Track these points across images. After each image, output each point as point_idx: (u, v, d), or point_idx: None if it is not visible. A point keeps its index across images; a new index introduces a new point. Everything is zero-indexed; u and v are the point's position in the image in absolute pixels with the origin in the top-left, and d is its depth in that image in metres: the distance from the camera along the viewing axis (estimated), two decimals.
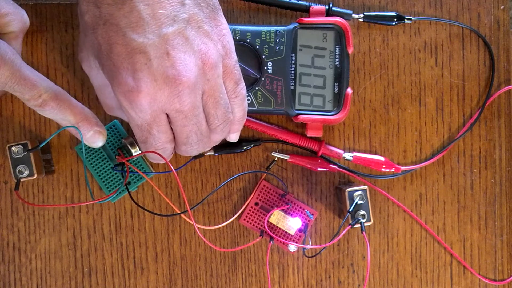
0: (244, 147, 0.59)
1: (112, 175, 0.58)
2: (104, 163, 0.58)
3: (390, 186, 0.60)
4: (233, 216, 0.59)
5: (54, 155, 0.59)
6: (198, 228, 0.57)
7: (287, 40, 0.56)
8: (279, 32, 0.56)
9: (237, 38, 0.56)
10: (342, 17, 0.57)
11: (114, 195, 0.57)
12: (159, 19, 0.46)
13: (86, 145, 0.56)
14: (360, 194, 0.56)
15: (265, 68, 0.56)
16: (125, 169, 0.56)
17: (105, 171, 0.58)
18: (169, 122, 0.49)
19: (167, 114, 0.49)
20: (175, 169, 0.54)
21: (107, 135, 0.57)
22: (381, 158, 0.59)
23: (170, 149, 0.52)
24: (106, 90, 0.53)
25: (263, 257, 0.60)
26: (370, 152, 0.60)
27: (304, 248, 0.58)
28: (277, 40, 0.56)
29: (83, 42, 0.50)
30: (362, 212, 0.56)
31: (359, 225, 0.56)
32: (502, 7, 0.60)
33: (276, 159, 0.60)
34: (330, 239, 0.60)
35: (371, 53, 0.60)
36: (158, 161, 0.54)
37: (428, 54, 0.60)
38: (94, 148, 0.58)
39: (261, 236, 0.58)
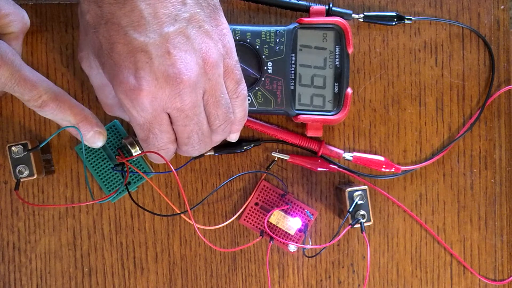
0: (244, 147, 0.59)
1: (112, 175, 0.58)
2: (104, 163, 0.58)
3: (390, 186, 0.60)
4: (233, 216, 0.59)
5: (54, 155, 0.59)
6: (198, 228, 0.57)
7: (287, 40, 0.56)
8: (279, 32, 0.56)
9: (237, 38, 0.56)
10: (342, 17, 0.57)
11: (114, 195, 0.57)
12: (160, 19, 0.46)
13: (86, 145, 0.55)
14: (360, 194, 0.56)
15: (265, 68, 0.56)
16: (125, 169, 0.56)
17: (105, 171, 0.58)
18: (171, 123, 0.50)
19: (169, 115, 0.49)
20: (175, 169, 0.54)
21: (107, 135, 0.57)
22: (381, 158, 0.59)
23: (173, 149, 0.52)
24: (106, 89, 0.53)
25: (263, 257, 0.60)
26: (370, 152, 0.60)
27: (304, 248, 0.58)
28: (277, 40, 0.56)
29: (83, 41, 0.50)
30: (362, 212, 0.56)
31: (359, 225, 0.56)
32: (502, 7, 0.60)
33: (276, 159, 0.60)
34: (330, 239, 0.60)
35: (371, 53, 0.60)
36: (159, 161, 0.54)
37: (428, 54, 0.60)
38: (94, 148, 0.58)
39: (261, 236, 0.58)
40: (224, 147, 0.59)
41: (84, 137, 0.54)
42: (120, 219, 0.60)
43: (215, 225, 0.60)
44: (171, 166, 0.52)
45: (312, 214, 0.59)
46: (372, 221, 0.56)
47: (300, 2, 0.58)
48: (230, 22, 0.59)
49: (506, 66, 0.60)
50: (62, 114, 0.53)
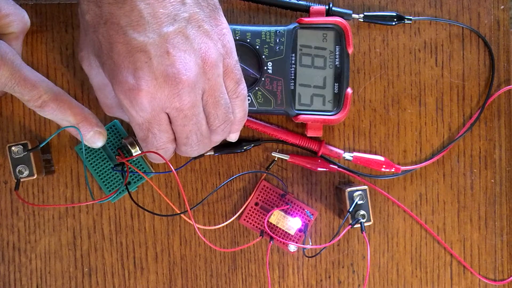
0: (244, 147, 0.59)
1: (112, 175, 0.58)
2: (104, 163, 0.58)
3: (390, 186, 0.60)
4: (233, 216, 0.59)
5: (54, 155, 0.59)
6: (198, 228, 0.57)
7: (287, 40, 0.56)
8: (279, 32, 0.56)
9: (237, 38, 0.56)
10: (342, 17, 0.57)
11: (114, 195, 0.57)
12: (159, 18, 0.46)
13: (86, 145, 0.56)
14: (360, 194, 0.56)
15: (265, 68, 0.56)
16: (125, 169, 0.56)
17: (105, 171, 0.58)
18: (170, 123, 0.49)
19: (168, 114, 0.49)
20: (175, 169, 0.54)
21: (107, 135, 0.57)
22: (381, 158, 0.59)
23: (172, 149, 0.52)
24: (105, 89, 0.53)
25: (263, 257, 0.60)
26: (370, 152, 0.60)
27: (304, 248, 0.58)
28: (277, 40, 0.56)
29: (83, 41, 0.50)
30: (362, 212, 0.56)
31: (359, 225, 0.56)
32: (502, 7, 0.60)
33: (276, 159, 0.60)
34: (330, 239, 0.60)
35: (371, 53, 0.60)
36: (158, 161, 0.54)
37: (428, 54, 0.60)
38: (94, 148, 0.58)
39: (261, 236, 0.58)
40: (224, 147, 0.59)
41: (84, 137, 0.54)
42: (120, 219, 0.60)
43: (215, 225, 0.60)
44: (171, 166, 0.52)
45: (312, 214, 0.59)
46: (372, 221, 0.56)
47: (300, 2, 0.58)
48: (230, 22, 0.59)
49: (506, 66, 0.60)
50: (62, 114, 0.53)
